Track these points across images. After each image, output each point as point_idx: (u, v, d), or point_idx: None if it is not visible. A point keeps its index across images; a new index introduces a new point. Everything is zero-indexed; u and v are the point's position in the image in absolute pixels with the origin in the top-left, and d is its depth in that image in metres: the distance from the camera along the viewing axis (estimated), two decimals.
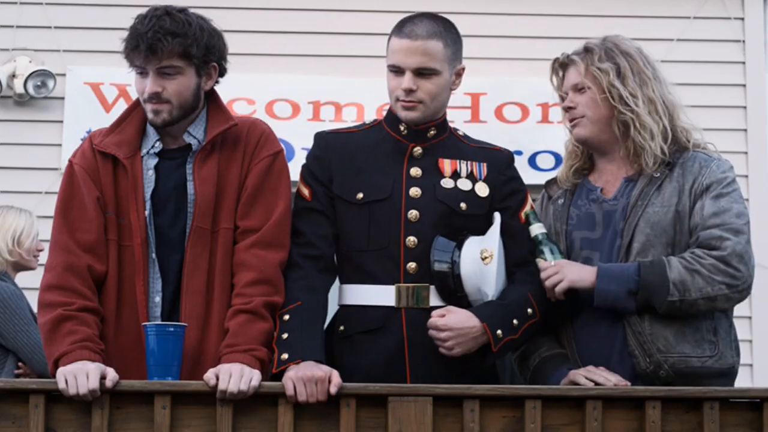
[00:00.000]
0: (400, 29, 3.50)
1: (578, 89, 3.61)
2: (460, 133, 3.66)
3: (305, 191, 3.52)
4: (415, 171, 3.53)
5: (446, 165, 3.54)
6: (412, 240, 3.47)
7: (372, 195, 3.50)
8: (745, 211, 3.50)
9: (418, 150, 3.56)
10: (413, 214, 3.48)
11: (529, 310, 3.43)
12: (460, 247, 3.45)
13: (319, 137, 3.62)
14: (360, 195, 3.50)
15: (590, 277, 3.41)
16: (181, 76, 3.40)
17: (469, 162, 3.56)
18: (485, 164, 3.58)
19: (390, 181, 3.51)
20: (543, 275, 3.45)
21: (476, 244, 3.45)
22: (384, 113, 3.70)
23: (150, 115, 3.42)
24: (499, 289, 3.44)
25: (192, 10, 3.47)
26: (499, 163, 3.62)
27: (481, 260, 3.41)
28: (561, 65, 3.67)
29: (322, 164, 3.54)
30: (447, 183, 3.52)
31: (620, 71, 3.58)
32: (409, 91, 3.47)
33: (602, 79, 3.57)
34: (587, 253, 3.55)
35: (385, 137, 3.58)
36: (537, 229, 3.53)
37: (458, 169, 3.54)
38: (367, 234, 3.49)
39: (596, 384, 3.30)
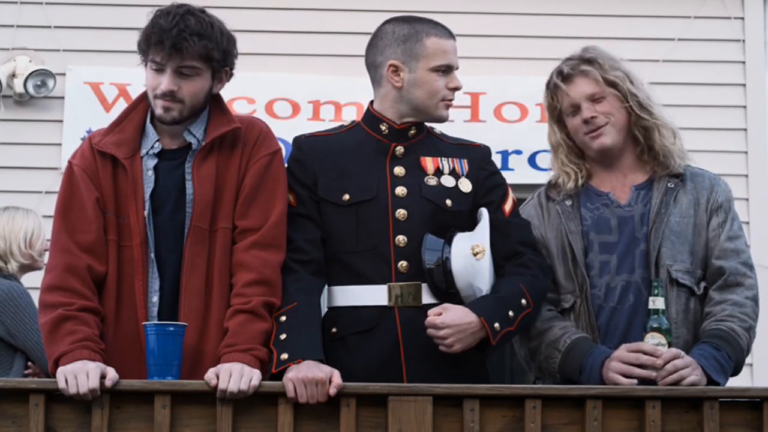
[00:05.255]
0: (443, 30, 3.58)
1: (594, 99, 3.59)
2: (437, 131, 3.68)
3: (290, 197, 3.52)
4: (399, 170, 3.54)
5: (428, 163, 3.56)
6: (401, 239, 3.48)
7: (358, 196, 3.50)
8: (744, 233, 3.66)
9: (399, 149, 3.57)
10: (401, 213, 3.49)
11: (523, 301, 3.44)
12: (449, 243, 3.46)
13: (299, 141, 3.62)
14: (346, 196, 3.51)
15: (705, 379, 3.35)
16: (198, 78, 3.39)
17: (450, 159, 3.59)
18: (466, 160, 3.60)
19: (374, 181, 3.52)
20: (675, 366, 3.30)
21: (466, 240, 3.46)
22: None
23: (159, 112, 3.41)
24: (490, 283, 3.44)
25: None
26: (479, 158, 3.63)
27: (472, 256, 3.42)
28: (565, 78, 3.62)
29: (305, 168, 3.55)
30: (431, 181, 3.54)
31: (630, 77, 3.61)
32: (457, 89, 3.57)
33: (622, 86, 3.58)
34: (605, 257, 3.57)
35: (365, 138, 3.59)
36: (662, 304, 3.37)
37: (440, 167, 3.57)
38: (355, 235, 3.49)
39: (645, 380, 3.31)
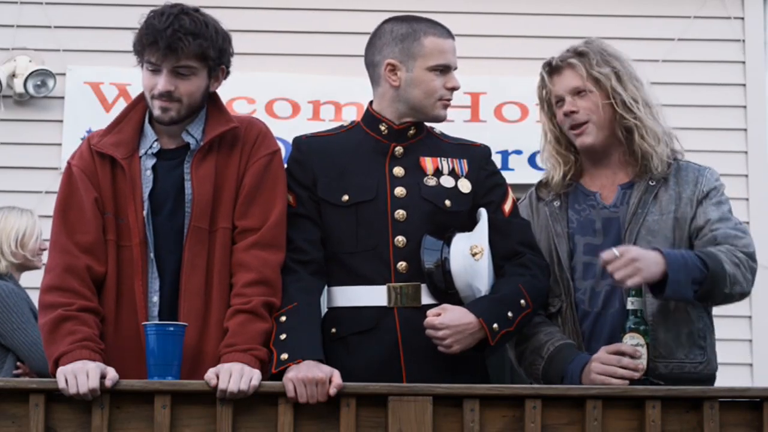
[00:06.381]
0: (441, 29, 3.57)
1: (577, 93, 3.59)
2: (437, 131, 3.67)
3: (290, 198, 3.51)
4: (398, 170, 3.54)
5: (428, 163, 3.56)
6: (400, 240, 3.48)
7: (358, 196, 3.50)
8: (732, 212, 3.59)
9: (399, 149, 3.57)
10: (400, 213, 3.49)
11: (522, 302, 3.43)
12: (448, 244, 3.45)
13: (299, 142, 3.62)
14: (345, 197, 3.51)
15: (660, 268, 3.31)
16: (195, 77, 3.39)
17: (449, 159, 3.58)
18: (465, 160, 3.60)
19: (374, 181, 3.52)
20: (613, 267, 3.30)
21: (465, 240, 3.46)
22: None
23: (157, 112, 3.41)
24: (489, 283, 3.44)
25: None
26: (479, 158, 3.63)
27: (471, 256, 3.42)
28: (553, 69, 3.62)
29: (305, 168, 3.55)
30: (430, 181, 3.53)
31: (619, 75, 3.58)
32: (455, 89, 3.56)
33: (605, 83, 3.55)
34: (588, 258, 3.55)
35: (364, 138, 3.59)
36: (640, 304, 3.38)
37: (440, 167, 3.56)
38: (355, 235, 3.49)
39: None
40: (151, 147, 3.46)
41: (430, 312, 3.37)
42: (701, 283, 3.37)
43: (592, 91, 3.57)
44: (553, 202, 3.65)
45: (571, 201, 3.64)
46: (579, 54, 3.60)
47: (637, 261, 3.30)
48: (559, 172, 3.65)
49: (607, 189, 3.63)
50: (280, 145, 3.59)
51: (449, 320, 3.34)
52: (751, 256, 3.47)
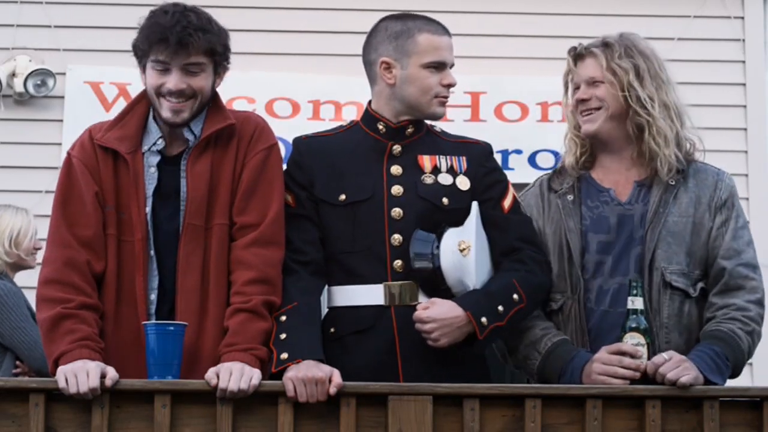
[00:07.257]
0: (436, 26, 3.56)
1: (593, 83, 3.58)
2: (437, 129, 3.67)
3: (289, 198, 3.51)
4: (396, 169, 3.53)
5: (426, 161, 3.55)
6: (397, 238, 3.47)
7: (354, 196, 3.50)
8: (749, 228, 3.60)
9: (397, 148, 3.56)
10: (396, 212, 3.49)
11: (515, 296, 3.42)
12: (439, 240, 3.45)
13: (298, 142, 3.62)
14: (342, 196, 3.50)
15: (701, 376, 3.31)
16: (203, 74, 3.39)
17: (448, 157, 3.57)
18: (465, 158, 3.59)
19: (371, 180, 3.51)
20: (665, 369, 3.28)
21: (454, 236, 3.45)
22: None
23: (167, 114, 3.39)
24: (482, 279, 3.44)
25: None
26: (478, 155, 3.62)
27: (459, 252, 3.41)
28: (577, 55, 3.62)
29: (303, 169, 3.55)
30: (427, 179, 3.53)
31: (639, 72, 3.56)
32: (451, 86, 3.54)
33: (622, 77, 3.54)
34: (600, 257, 3.53)
35: (363, 137, 3.59)
36: (641, 304, 3.37)
37: (438, 165, 3.55)
38: (352, 235, 3.49)
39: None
40: (155, 144, 3.45)
41: (419, 306, 3.37)
42: (729, 369, 3.43)
43: (608, 82, 3.55)
44: (567, 195, 3.62)
45: (584, 197, 3.61)
46: (605, 45, 3.60)
47: (686, 362, 3.30)
48: (576, 152, 3.64)
49: (621, 185, 3.60)
50: (281, 144, 3.59)
51: (436, 314, 3.33)
52: (760, 302, 3.49)
